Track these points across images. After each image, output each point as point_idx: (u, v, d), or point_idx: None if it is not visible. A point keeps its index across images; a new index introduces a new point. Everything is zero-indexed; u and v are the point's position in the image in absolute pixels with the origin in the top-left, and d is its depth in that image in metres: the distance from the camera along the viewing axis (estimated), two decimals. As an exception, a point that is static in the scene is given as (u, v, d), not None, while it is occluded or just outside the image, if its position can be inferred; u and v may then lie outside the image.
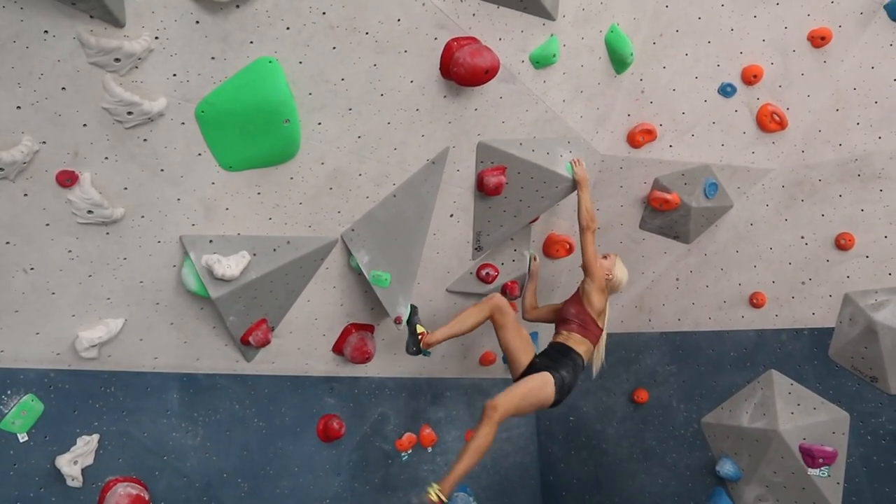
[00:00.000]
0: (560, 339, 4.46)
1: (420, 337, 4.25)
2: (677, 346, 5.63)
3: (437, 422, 5.45)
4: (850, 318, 4.86)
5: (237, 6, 3.06)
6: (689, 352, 5.58)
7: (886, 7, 4.60)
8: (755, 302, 5.27)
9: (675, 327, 5.63)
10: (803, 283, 5.09)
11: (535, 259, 5.11)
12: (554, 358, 4.31)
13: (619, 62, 4.68)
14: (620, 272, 4.60)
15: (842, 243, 4.90)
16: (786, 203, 5.11)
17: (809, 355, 5.07)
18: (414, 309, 4.39)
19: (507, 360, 4.43)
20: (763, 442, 4.97)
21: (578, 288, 4.58)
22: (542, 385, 4.11)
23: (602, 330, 4.51)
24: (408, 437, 5.17)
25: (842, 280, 4.94)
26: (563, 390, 4.17)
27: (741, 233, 5.28)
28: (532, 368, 4.26)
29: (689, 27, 4.86)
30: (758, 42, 4.85)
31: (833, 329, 4.97)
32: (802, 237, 5.07)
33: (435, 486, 3.72)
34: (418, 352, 4.27)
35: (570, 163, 4.55)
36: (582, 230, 4.46)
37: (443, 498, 3.69)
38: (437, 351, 5.19)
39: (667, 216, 5.26)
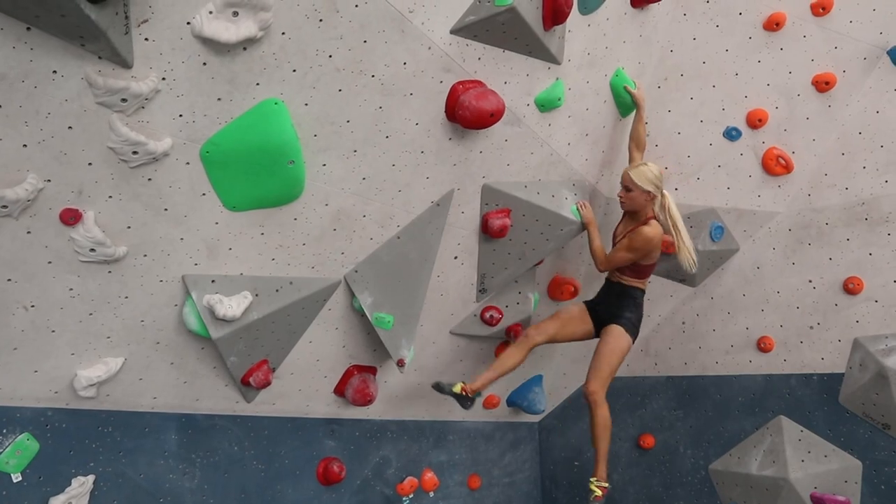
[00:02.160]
0: (614, 278, 4.57)
1: (463, 392, 4.32)
2: (684, 390, 5.56)
3: (440, 466, 5.36)
4: (860, 364, 4.79)
5: (244, 48, 3.09)
6: (696, 396, 5.50)
7: (890, 53, 4.64)
8: (763, 346, 5.21)
9: (682, 371, 5.57)
10: (812, 327, 5.04)
11: (584, 206, 4.63)
12: (612, 303, 4.50)
13: (624, 106, 4.71)
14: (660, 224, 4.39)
15: (850, 287, 4.86)
16: (793, 246, 5.08)
17: (819, 401, 4.99)
18: (438, 385, 4.40)
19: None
20: (773, 490, 4.86)
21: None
22: (617, 343, 4.38)
23: (655, 262, 4.49)
24: (409, 481, 5.09)
25: (851, 325, 4.89)
26: (635, 328, 4.45)
27: (748, 276, 5.24)
28: (598, 320, 4.52)
29: (694, 71, 4.90)
30: (762, 86, 4.88)
31: (843, 374, 4.90)
32: (810, 281, 5.03)
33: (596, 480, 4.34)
34: (471, 403, 4.39)
35: (576, 206, 4.54)
36: (601, 268, 4.57)
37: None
38: (440, 394, 5.14)
39: (673, 259, 5.21)
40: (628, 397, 5.71)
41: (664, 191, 4.37)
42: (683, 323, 5.50)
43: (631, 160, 4.63)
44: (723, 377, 5.41)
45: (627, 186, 4.32)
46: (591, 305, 4.64)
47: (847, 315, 4.90)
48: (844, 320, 4.91)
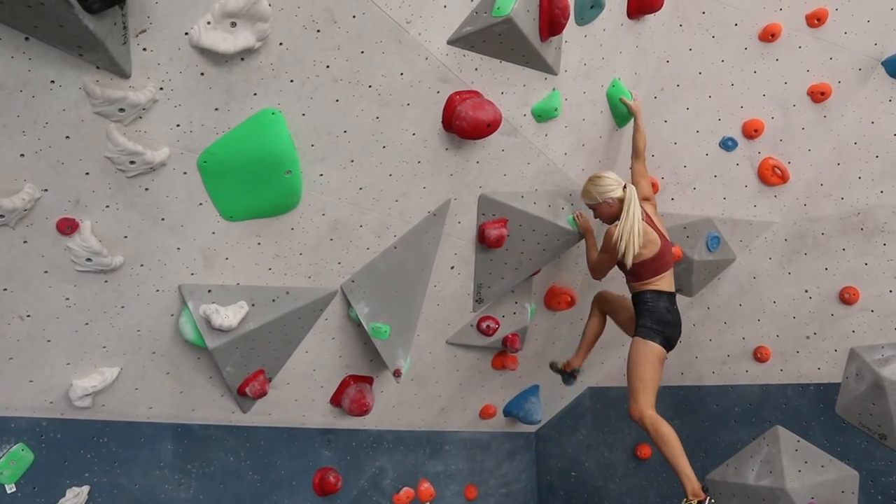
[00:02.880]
0: (629, 289, 4.48)
1: (564, 369, 4.92)
2: (681, 400, 5.55)
3: (436, 476, 5.34)
4: (856, 374, 4.80)
5: (242, 59, 3.09)
6: (692, 406, 5.50)
7: (884, 63, 4.66)
8: (759, 356, 5.21)
9: (679, 381, 5.56)
10: (808, 337, 5.05)
11: (581, 216, 4.63)
12: (636, 314, 4.33)
13: (620, 116, 4.72)
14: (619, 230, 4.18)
15: (846, 297, 4.87)
16: (789, 256, 5.09)
17: (816, 411, 4.99)
18: (553, 365, 5.07)
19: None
20: (770, 501, 4.86)
21: None
22: (642, 354, 4.13)
23: (656, 258, 4.24)
24: (405, 491, 5.07)
25: (847, 335, 4.90)
26: (655, 332, 4.15)
27: (744, 286, 5.25)
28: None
29: (690, 82, 4.93)
30: (758, 97, 4.91)
31: (839, 384, 4.90)
32: (806, 291, 5.04)
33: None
34: (573, 379, 5.01)
35: (573, 216, 4.55)
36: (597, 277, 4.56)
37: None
38: (437, 403, 5.14)
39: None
40: (625, 407, 5.68)
41: (626, 186, 4.23)
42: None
43: (631, 169, 4.61)
44: (719, 387, 5.41)
45: (585, 202, 4.39)
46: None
47: (843, 325, 4.91)
48: (840, 330, 4.92)
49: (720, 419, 5.36)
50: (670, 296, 4.31)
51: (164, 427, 3.90)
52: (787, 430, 5.05)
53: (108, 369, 3.57)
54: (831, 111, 4.84)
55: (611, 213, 4.27)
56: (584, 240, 4.63)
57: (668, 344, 4.21)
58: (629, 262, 4.18)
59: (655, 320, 4.19)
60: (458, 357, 4.99)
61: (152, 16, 2.85)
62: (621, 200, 4.21)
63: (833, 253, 4.94)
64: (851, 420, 4.84)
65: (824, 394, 4.96)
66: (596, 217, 4.43)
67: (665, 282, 4.30)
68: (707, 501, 3.80)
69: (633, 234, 4.11)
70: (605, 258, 4.34)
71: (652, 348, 4.13)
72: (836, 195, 4.91)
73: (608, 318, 4.86)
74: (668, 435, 3.96)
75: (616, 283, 4.79)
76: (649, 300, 4.25)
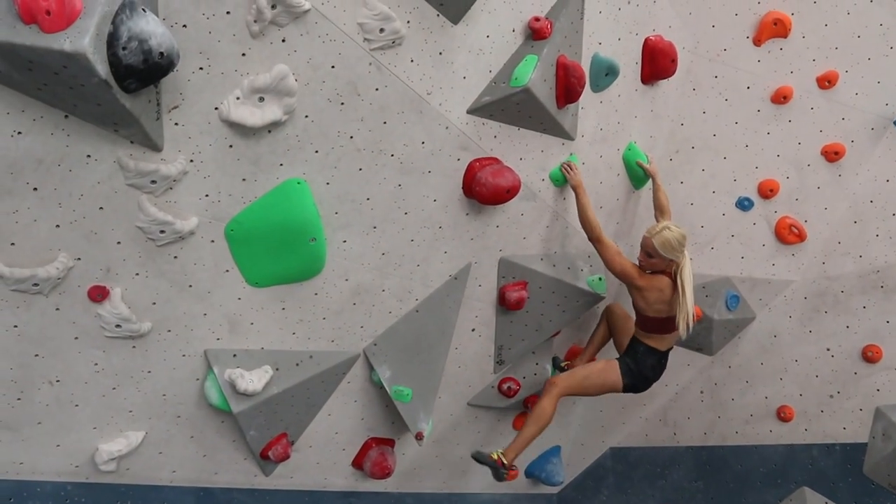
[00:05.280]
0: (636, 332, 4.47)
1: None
2: (704, 461, 5.48)
3: (458, 539, 5.27)
4: (882, 434, 4.71)
5: (269, 131, 3.21)
6: (716, 467, 5.41)
7: (896, 123, 4.72)
8: (783, 416, 5.15)
9: (702, 441, 5.50)
10: (832, 396, 5.00)
11: (570, 167, 4.31)
12: (627, 348, 4.47)
13: (636, 178, 4.79)
14: (660, 239, 4.02)
15: (869, 356, 4.84)
16: (809, 315, 5.08)
17: (843, 472, 4.91)
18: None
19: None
20: (799, 566, 4.74)
21: None
22: (605, 369, 4.37)
23: (663, 320, 4.18)
24: (427, 555, 5.00)
25: (872, 393, 4.85)
26: (631, 374, 4.33)
27: (765, 345, 5.23)
28: None
29: (704, 144, 5.00)
30: (773, 157, 4.97)
31: (866, 444, 4.82)
32: (828, 349, 5.01)
33: (499, 451, 4.20)
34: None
35: (560, 168, 4.25)
36: (592, 242, 4.20)
37: (504, 460, 4.16)
38: (458, 465, 5.10)
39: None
40: (648, 468, 5.63)
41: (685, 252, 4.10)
42: (702, 392, 5.46)
43: None
44: (743, 447, 5.33)
45: (649, 253, 4.07)
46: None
47: (867, 383, 4.86)
48: (865, 389, 4.87)
49: (745, 480, 5.27)
50: (662, 354, 4.39)
51: (187, 491, 3.91)
52: (814, 492, 4.93)
53: (134, 433, 3.61)
54: (846, 170, 4.88)
55: (659, 267, 4.11)
56: (586, 234, 4.28)
57: (634, 389, 4.43)
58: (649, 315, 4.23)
59: (637, 370, 4.35)
60: (479, 418, 4.98)
61: (184, 92, 2.99)
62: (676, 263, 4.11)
63: (854, 311, 4.92)
64: (880, 481, 4.72)
65: (851, 454, 4.88)
66: (642, 266, 4.18)
67: (665, 342, 4.34)
68: (502, 469, 4.15)
69: (690, 314, 4.10)
70: (624, 267, 4.10)
71: (615, 379, 4.34)
72: (854, 253, 4.92)
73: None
74: (548, 415, 4.25)
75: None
76: (641, 353, 4.36)
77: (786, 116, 4.91)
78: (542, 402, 4.26)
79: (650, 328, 4.29)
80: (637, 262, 4.24)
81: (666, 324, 4.22)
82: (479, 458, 4.24)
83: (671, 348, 4.42)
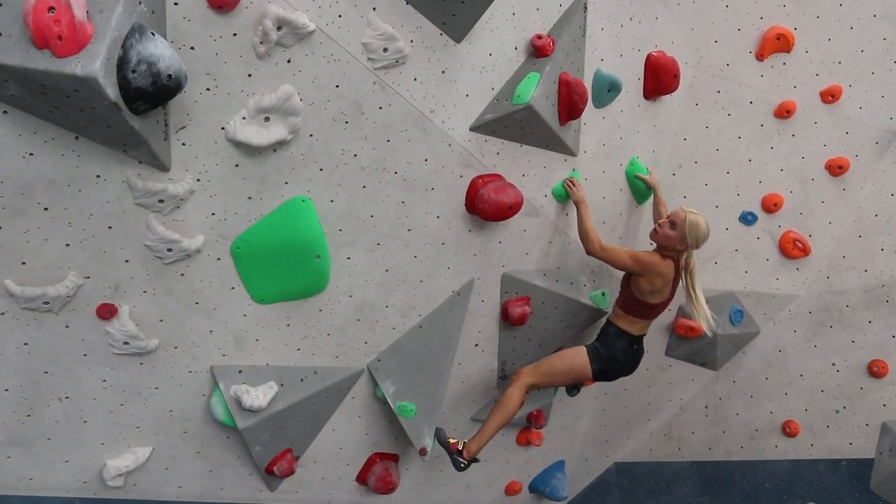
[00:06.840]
0: (610, 314, 4.39)
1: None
2: (709, 476, 5.47)
3: (463, 555, 5.27)
4: (889, 449, 4.72)
5: (274, 150, 3.26)
6: (721, 483, 5.41)
7: (900, 137, 4.73)
8: (788, 431, 5.15)
9: (706, 457, 5.49)
10: (837, 411, 4.99)
11: (573, 183, 4.28)
12: (599, 333, 4.38)
13: (639, 193, 4.81)
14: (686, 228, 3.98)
15: (875, 370, 4.83)
16: (814, 329, 5.08)
17: (850, 488, 4.90)
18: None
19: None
20: (806, 582, 4.74)
21: None
22: (572, 355, 4.27)
23: (652, 306, 4.15)
24: (432, 571, 5.00)
25: (878, 408, 4.84)
26: (601, 359, 4.22)
27: (770, 360, 5.22)
28: None
29: (707, 158, 5.02)
30: (776, 172, 4.98)
31: (873, 460, 4.81)
32: (833, 364, 5.00)
33: (463, 440, 4.14)
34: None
35: (563, 184, 4.27)
36: (595, 255, 4.14)
37: (461, 447, 4.10)
38: (462, 480, 5.10)
39: (693, 343, 5.24)
40: (652, 483, 5.62)
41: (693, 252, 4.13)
42: (706, 407, 5.46)
43: None
44: (749, 462, 5.32)
45: (674, 223, 4.03)
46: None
47: (873, 399, 4.85)
48: (871, 404, 4.86)
49: (750, 495, 5.26)
50: (634, 339, 4.27)
51: (193, 506, 3.94)
52: (821, 508, 4.95)
53: (141, 449, 3.66)
54: (850, 184, 4.89)
55: (671, 248, 4.06)
56: (586, 249, 4.22)
57: (605, 376, 4.32)
58: (649, 301, 4.13)
59: (607, 354, 4.24)
60: (483, 433, 4.99)
61: (191, 113, 3.04)
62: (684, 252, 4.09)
63: (859, 326, 4.92)
64: (888, 497, 4.73)
65: (857, 470, 4.87)
66: (657, 233, 4.10)
67: (639, 326, 4.26)
68: (457, 455, 4.12)
69: (707, 310, 4.10)
70: (626, 261, 4.06)
71: (581, 364, 4.23)
72: (859, 267, 4.93)
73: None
74: (510, 409, 4.17)
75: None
76: (611, 335, 4.28)
77: (789, 131, 4.93)
78: (509, 392, 4.20)
79: (634, 311, 4.20)
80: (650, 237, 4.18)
81: (651, 309, 4.19)
82: (439, 438, 4.17)
83: (644, 335, 4.33)
